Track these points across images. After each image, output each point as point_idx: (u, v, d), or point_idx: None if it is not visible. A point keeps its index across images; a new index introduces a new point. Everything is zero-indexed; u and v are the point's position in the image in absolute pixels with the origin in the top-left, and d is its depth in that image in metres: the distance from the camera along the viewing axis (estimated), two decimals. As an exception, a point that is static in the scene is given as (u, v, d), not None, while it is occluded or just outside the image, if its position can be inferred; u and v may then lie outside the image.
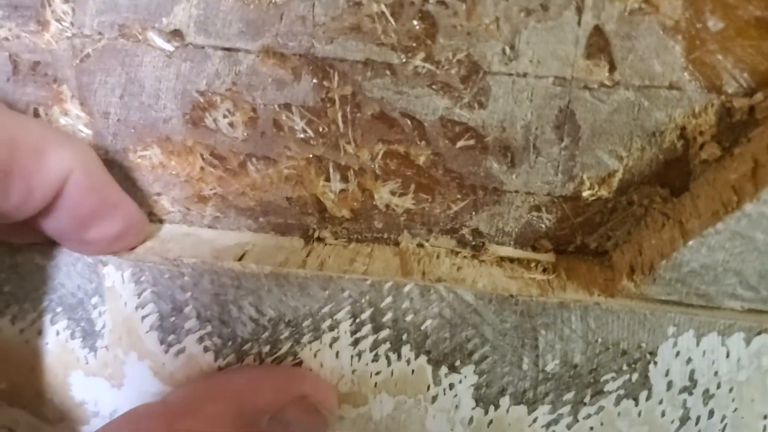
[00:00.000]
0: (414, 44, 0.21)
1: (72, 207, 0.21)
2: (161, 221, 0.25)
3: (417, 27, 0.20)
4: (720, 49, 0.20)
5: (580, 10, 0.20)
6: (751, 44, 0.20)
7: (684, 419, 0.22)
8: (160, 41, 0.22)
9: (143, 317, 0.23)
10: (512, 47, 0.20)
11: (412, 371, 0.23)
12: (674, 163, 0.21)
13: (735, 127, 0.21)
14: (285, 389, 0.22)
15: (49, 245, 0.23)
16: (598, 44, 0.20)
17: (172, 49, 0.22)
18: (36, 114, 0.23)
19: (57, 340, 0.24)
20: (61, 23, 0.22)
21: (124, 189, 0.23)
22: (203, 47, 0.22)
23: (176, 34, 0.22)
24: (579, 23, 0.20)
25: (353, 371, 0.23)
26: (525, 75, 0.21)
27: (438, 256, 0.24)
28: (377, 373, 0.23)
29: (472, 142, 0.22)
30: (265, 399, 0.21)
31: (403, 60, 0.21)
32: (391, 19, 0.20)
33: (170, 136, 0.23)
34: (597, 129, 0.21)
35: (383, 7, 0.20)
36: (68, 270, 0.23)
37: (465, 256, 0.24)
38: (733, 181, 0.20)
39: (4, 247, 0.23)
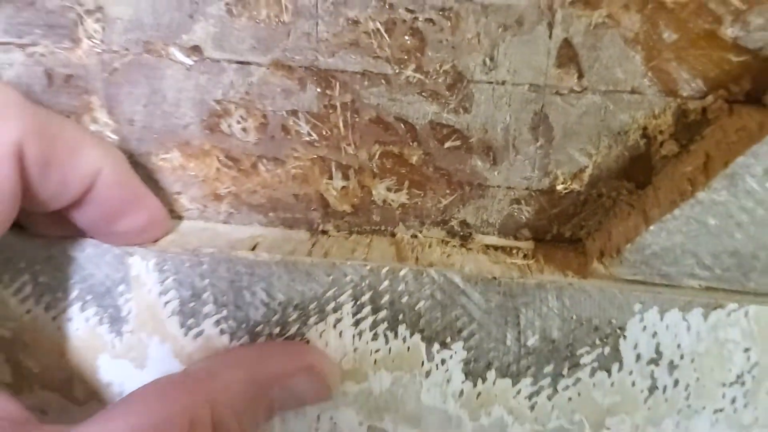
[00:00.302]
0: (406, 57, 0.24)
1: (102, 200, 0.24)
2: (180, 218, 0.28)
3: (408, 42, 0.23)
4: (675, 58, 0.23)
5: (551, 25, 0.22)
6: (702, 53, 0.22)
7: (652, 388, 0.25)
8: (180, 56, 0.24)
9: (165, 303, 0.26)
10: (492, 58, 0.23)
11: (408, 348, 0.26)
12: (638, 159, 0.24)
13: (690, 126, 0.23)
14: (293, 359, 0.24)
15: (80, 238, 0.26)
16: (568, 55, 0.23)
17: (191, 63, 0.24)
18: (68, 122, 0.26)
19: (86, 326, 0.27)
20: (92, 40, 0.25)
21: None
22: (219, 61, 0.24)
23: (195, 49, 0.24)
24: (550, 36, 0.23)
25: (355, 350, 0.26)
26: (503, 83, 0.23)
27: (430, 245, 0.26)
28: (376, 351, 0.26)
29: (458, 142, 0.25)
30: (276, 368, 0.24)
31: (396, 71, 0.24)
32: (386, 35, 0.23)
33: (189, 141, 0.26)
34: (568, 130, 0.24)
35: (378, 24, 0.23)
36: (98, 261, 0.26)
37: (454, 245, 0.26)
38: (688, 173, 0.23)
39: (41, 240, 0.26)
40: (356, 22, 0.23)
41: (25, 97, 0.23)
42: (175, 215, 0.27)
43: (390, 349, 0.26)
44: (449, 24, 0.23)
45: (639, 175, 0.24)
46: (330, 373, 0.25)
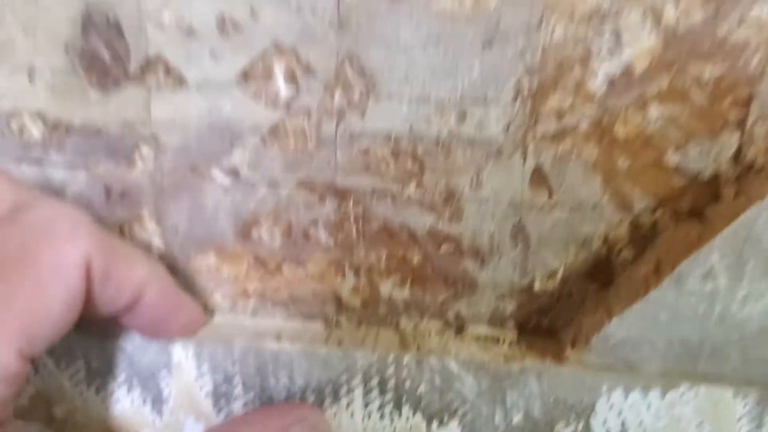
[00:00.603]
0: (408, 178, 0.28)
1: (147, 309, 0.28)
2: (213, 311, 0.32)
3: (410, 166, 0.28)
4: (629, 180, 0.27)
5: (524, 155, 0.27)
6: (651, 176, 0.27)
7: (622, 460, 0.29)
8: (220, 177, 0.29)
9: (201, 387, 0.30)
10: (478, 180, 0.28)
11: (410, 427, 0.30)
12: (601, 264, 0.29)
13: (644, 236, 0.28)
14: (289, 413, 0.29)
15: (129, 332, 0.30)
16: (539, 178, 0.28)
17: (229, 182, 0.29)
18: (121, 230, 0.31)
19: (132, 407, 0.31)
20: (145, 163, 0.30)
21: (186, 287, 0.30)
22: (253, 181, 0.29)
23: (233, 171, 0.29)
24: (524, 164, 0.28)
25: (364, 429, 0.30)
26: (488, 200, 0.28)
27: (429, 335, 0.31)
28: (383, 430, 0.30)
29: (452, 247, 0.29)
30: (278, 422, 0.28)
31: (400, 189, 0.29)
32: (392, 162, 0.28)
33: (224, 246, 0.30)
34: (542, 238, 0.29)
35: (385, 153, 0.28)
36: (144, 349, 0.30)
37: (449, 335, 0.31)
38: (642, 276, 0.27)
39: (95, 333, 0.30)
40: (367, 151, 0.28)
41: (91, 219, 0.27)
42: (209, 310, 0.32)
43: (395, 428, 0.30)
44: (443, 153, 0.28)
45: (603, 276, 0.29)
46: (320, 423, 0.29)
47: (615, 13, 0.25)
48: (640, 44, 0.25)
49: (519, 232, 0.29)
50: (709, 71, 0.26)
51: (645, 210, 0.28)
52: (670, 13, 0.25)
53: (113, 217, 0.31)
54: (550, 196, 0.28)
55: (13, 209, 0.26)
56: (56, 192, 0.31)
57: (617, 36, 0.25)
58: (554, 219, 0.28)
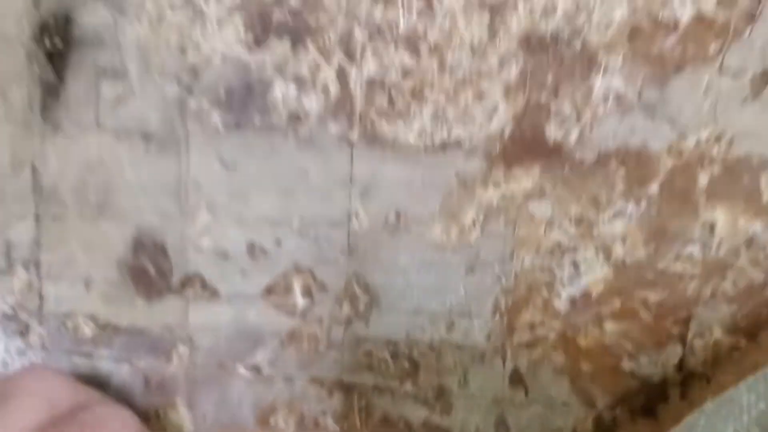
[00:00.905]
0: (405, 376, 0.33)
1: None
2: (234, 487, 0.36)
3: (407, 366, 0.33)
4: (591, 382, 0.32)
5: (504, 359, 0.33)
6: (610, 379, 0.32)
7: None
8: (244, 372, 0.34)
9: None
10: (465, 379, 0.33)
11: None
12: (572, 451, 0.33)
13: (606, 429, 0.33)
14: None
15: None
16: (517, 378, 0.33)
17: (252, 377, 0.34)
18: (157, 414, 0.36)
19: None
20: (181, 359, 0.35)
21: (211, 465, 0.35)
22: (272, 376, 0.34)
23: (256, 367, 0.34)
24: (504, 366, 0.33)
25: None
26: (473, 396, 0.33)
27: None
28: None
29: (443, 436, 0.34)
30: None
31: (399, 385, 0.34)
32: (391, 362, 0.33)
33: (246, 431, 0.35)
34: (521, 429, 0.33)
35: (386, 355, 0.33)
36: None
37: None
38: (606, 465, 0.32)
39: None
40: (370, 353, 0.33)
41: (137, 418, 0.32)
42: (231, 486, 0.36)
43: None
44: (435, 356, 0.33)
45: (574, 463, 0.33)
46: None
47: (573, 249, 0.31)
48: (595, 274, 0.31)
49: (501, 424, 0.33)
50: (653, 296, 0.31)
51: (606, 407, 0.32)
52: (618, 251, 0.31)
53: (150, 403, 0.35)
54: (527, 394, 0.33)
55: (74, 408, 0.31)
56: (102, 380, 0.36)
57: (576, 266, 0.31)
58: (531, 413, 0.33)
